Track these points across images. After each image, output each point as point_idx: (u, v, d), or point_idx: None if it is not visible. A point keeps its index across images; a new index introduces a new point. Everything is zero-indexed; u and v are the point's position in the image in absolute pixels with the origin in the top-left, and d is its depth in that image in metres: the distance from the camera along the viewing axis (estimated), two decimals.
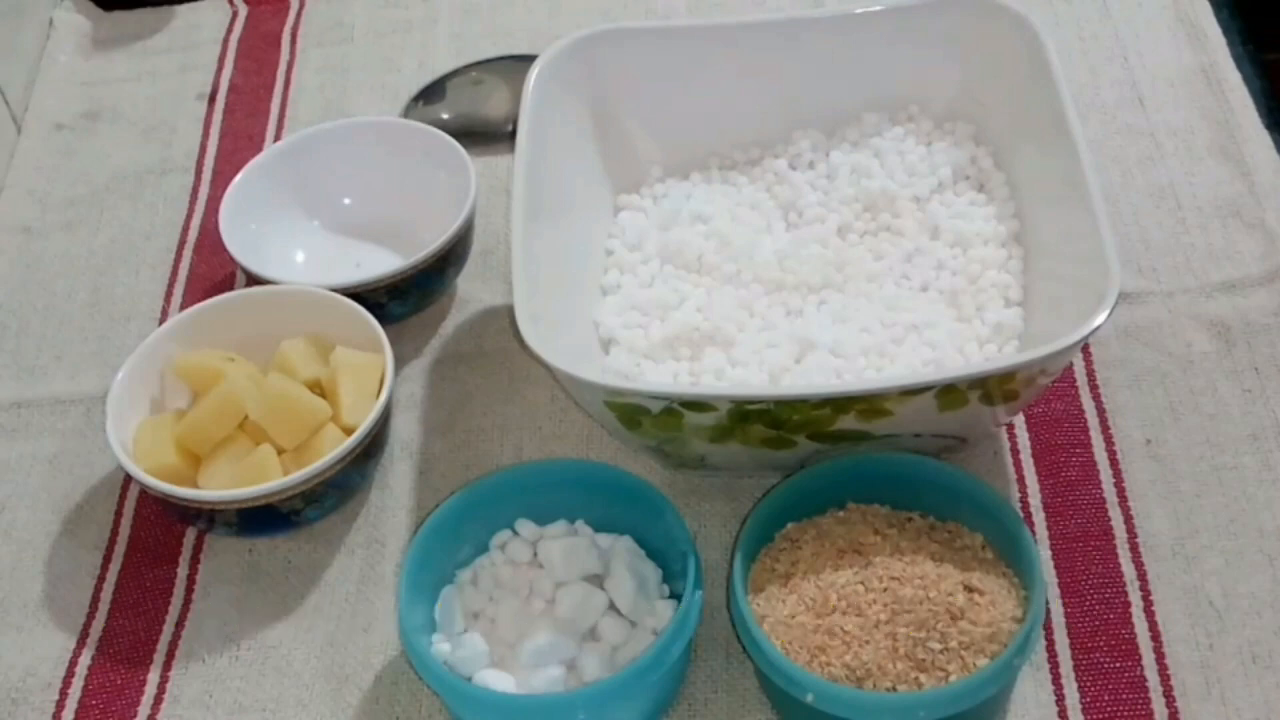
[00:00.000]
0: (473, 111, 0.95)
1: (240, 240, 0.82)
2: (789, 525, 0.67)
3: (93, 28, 1.07)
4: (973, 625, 0.61)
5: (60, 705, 0.70)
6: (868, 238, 0.79)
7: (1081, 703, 0.66)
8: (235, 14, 1.07)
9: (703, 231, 0.79)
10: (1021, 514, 0.69)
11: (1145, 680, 0.66)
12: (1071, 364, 0.77)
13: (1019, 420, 0.76)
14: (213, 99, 1.00)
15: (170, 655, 0.72)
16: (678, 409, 0.66)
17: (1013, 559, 0.65)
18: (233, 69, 1.03)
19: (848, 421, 0.66)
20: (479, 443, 0.79)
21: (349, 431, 0.72)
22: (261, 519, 0.72)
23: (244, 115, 0.99)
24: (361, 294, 0.78)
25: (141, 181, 0.96)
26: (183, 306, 0.87)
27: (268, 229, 0.85)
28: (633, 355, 0.75)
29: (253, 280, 0.82)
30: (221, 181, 0.91)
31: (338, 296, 0.78)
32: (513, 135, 0.77)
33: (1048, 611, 0.67)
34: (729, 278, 0.77)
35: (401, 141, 0.87)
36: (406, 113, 0.95)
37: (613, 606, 0.66)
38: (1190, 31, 0.94)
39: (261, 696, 0.70)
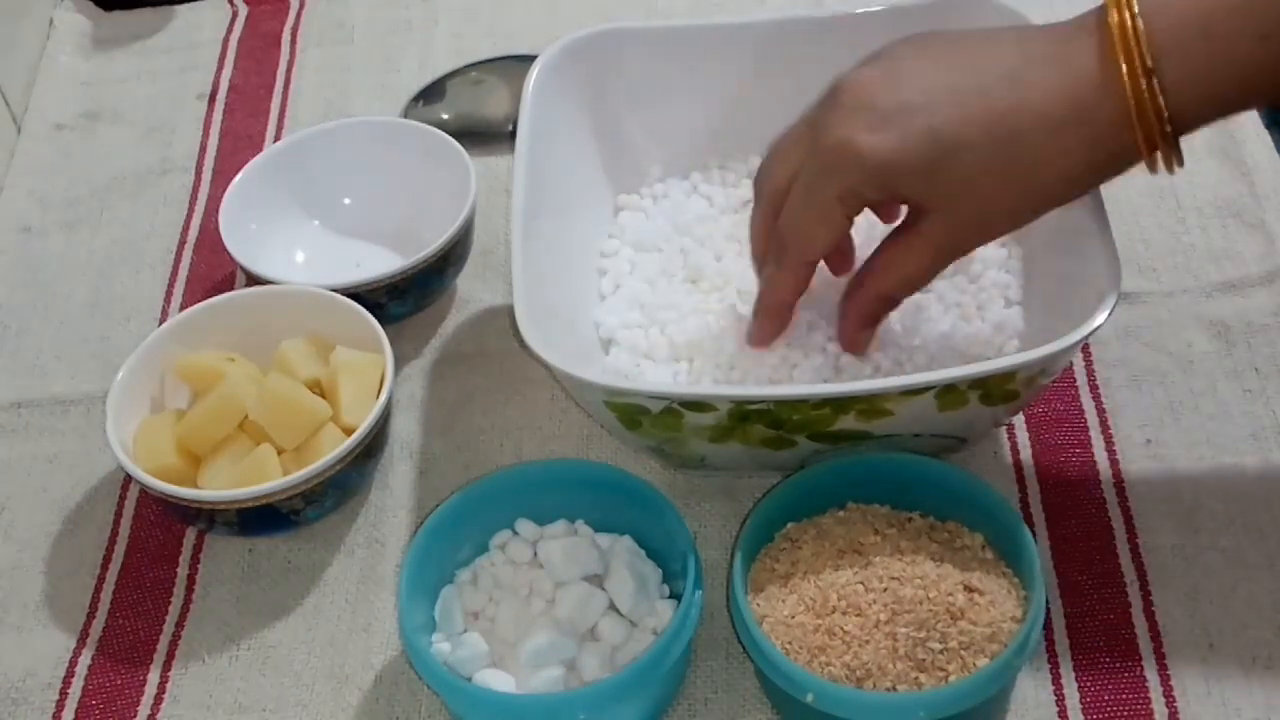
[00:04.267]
0: (473, 111, 0.95)
1: (240, 240, 0.83)
2: (789, 525, 0.67)
3: (93, 28, 1.07)
4: (973, 625, 0.61)
5: (60, 705, 0.70)
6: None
7: (1081, 703, 0.66)
8: (235, 14, 1.07)
9: (702, 231, 0.79)
10: (1021, 514, 0.69)
11: (1145, 680, 0.66)
12: (1071, 364, 0.77)
13: (1019, 420, 0.76)
14: (213, 99, 1.00)
15: (170, 655, 0.72)
16: (678, 409, 0.66)
17: (1013, 559, 0.65)
18: (233, 69, 1.03)
19: (848, 421, 0.66)
20: (479, 443, 0.79)
21: (349, 431, 0.72)
22: (261, 519, 0.72)
23: (244, 115, 0.99)
24: (361, 294, 0.78)
25: (141, 181, 0.96)
26: (183, 306, 0.87)
27: (268, 229, 0.85)
28: (633, 355, 0.75)
29: (253, 280, 0.82)
30: (221, 181, 0.91)
31: (338, 296, 0.78)
32: (513, 135, 0.77)
33: (1048, 611, 0.67)
34: (729, 277, 0.77)
35: (401, 141, 0.87)
36: (406, 113, 0.96)
37: (613, 606, 0.66)
38: None
39: (261, 696, 0.70)
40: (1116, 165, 0.62)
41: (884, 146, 0.61)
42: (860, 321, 0.69)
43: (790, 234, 0.66)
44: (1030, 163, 0.61)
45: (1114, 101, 0.59)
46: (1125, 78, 0.58)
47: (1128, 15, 0.58)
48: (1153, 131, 0.59)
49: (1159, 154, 0.60)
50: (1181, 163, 0.61)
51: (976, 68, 0.61)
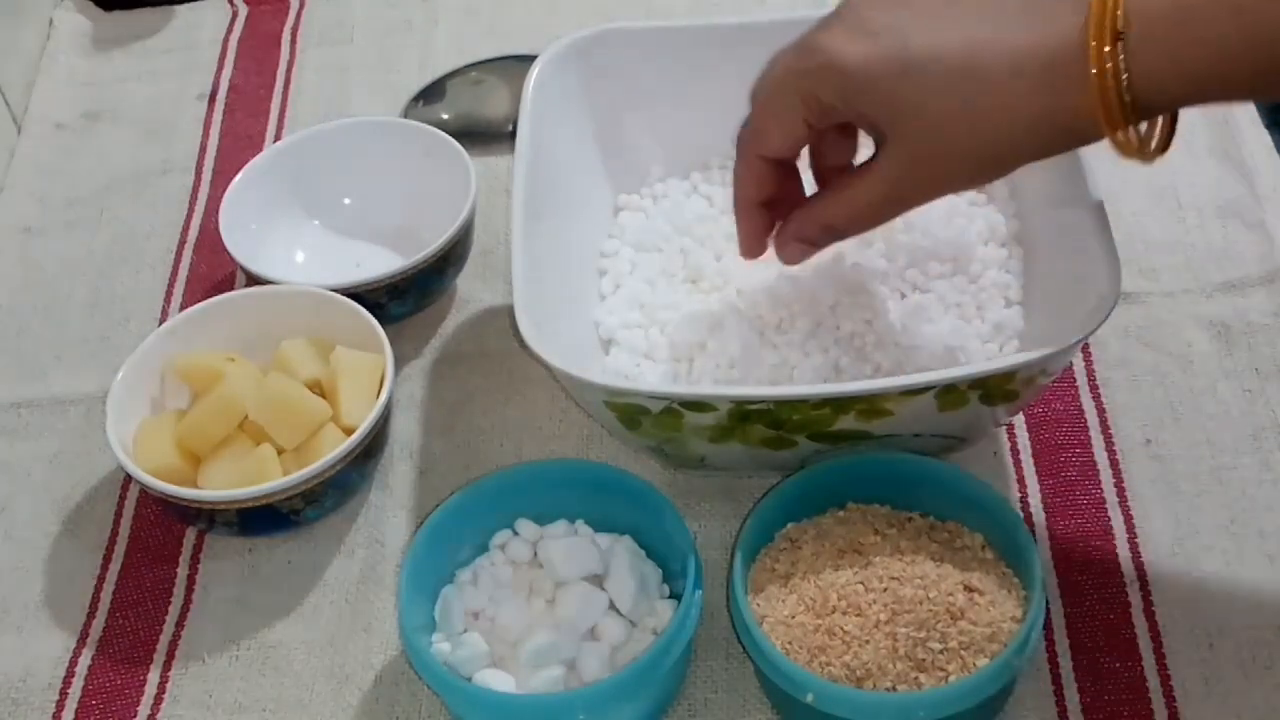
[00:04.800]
0: (473, 111, 0.95)
1: (240, 240, 0.83)
2: (789, 525, 0.67)
3: (93, 28, 1.07)
4: (973, 625, 0.61)
5: (60, 705, 0.70)
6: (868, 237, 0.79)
7: (1081, 703, 0.66)
8: (235, 14, 1.07)
9: (702, 231, 0.79)
10: (1021, 514, 0.69)
11: (1145, 680, 0.66)
12: (1071, 364, 0.77)
13: (1019, 420, 0.76)
14: (213, 99, 1.01)
15: (170, 655, 0.72)
16: (678, 409, 0.66)
17: (1013, 559, 0.65)
18: (233, 69, 1.03)
19: (848, 421, 0.66)
20: (479, 443, 0.79)
21: (349, 431, 0.72)
22: (261, 519, 0.72)
23: (244, 115, 0.99)
24: (361, 294, 0.78)
25: (141, 181, 0.96)
26: (183, 306, 0.87)
27: (268, 229, 0.85)
28: (633, 355, 0.75)
29: (253, 280, 0.82)
30: (221, 181, 0.91)
31: (338, 296, 0.78)
32: (513, 135, 0.77)
33: (1048, 611, 0.67)
34: (729, 277, 0.77)
35: (401, 141, 0.87)
36: (406, 113, 0.96)
37: (613, 606, 0.66)
38: None
39: (261, 696, 0.70)
40: (1080, 133, 0.60)
41: (854, 55, 0.61)
42: (797, 235, 0.69)
43: (751, 126, 0.67)
44: (989, 104, 0.59)
45: (1080, 64, 0.57)
46: (1092, 41, 0.56)
47: None
48: (1112, 105, 0.57)
49: (1119, 133, 0.58)
50: (1164, 150, 0.59)
51: (975, 3, 0.61)
